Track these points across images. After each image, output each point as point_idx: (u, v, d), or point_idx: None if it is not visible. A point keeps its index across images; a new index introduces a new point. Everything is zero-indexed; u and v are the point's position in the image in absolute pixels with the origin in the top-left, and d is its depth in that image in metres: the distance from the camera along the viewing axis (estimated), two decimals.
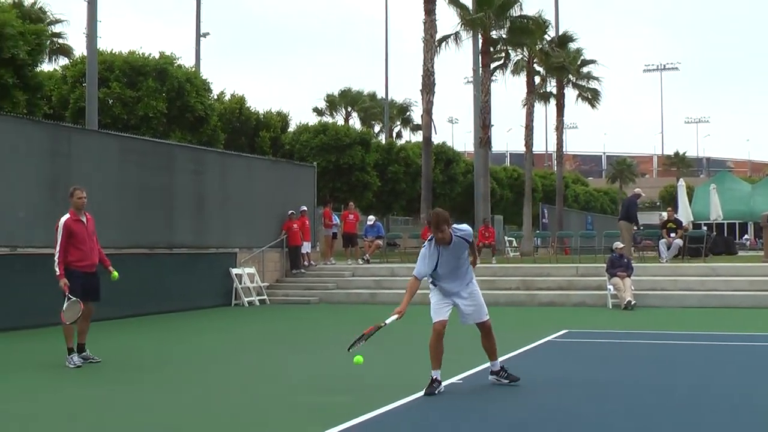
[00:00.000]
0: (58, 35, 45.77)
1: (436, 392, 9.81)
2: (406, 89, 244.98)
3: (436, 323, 10.02)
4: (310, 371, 12.21)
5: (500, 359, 10.51)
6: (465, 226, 10.29)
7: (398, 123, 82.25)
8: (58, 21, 45.18)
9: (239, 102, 41.00)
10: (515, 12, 40.30)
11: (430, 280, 10.14)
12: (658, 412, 8.88)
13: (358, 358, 9.47)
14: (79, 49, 45.17)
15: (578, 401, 9.57)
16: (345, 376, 11.37)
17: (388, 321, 9.81)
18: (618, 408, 9.18)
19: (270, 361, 13.64)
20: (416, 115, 77.73)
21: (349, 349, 9.56)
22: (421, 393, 9.70)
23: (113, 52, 31.68)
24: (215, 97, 40.16)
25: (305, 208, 28.80)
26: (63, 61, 43.49)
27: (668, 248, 28.56)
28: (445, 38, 39.64)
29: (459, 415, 8.83)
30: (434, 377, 9.90)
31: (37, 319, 18.33)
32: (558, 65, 51.42)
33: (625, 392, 10.09)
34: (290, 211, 27.91)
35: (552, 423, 8.52)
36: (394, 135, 78.04)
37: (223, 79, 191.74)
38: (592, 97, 56.75)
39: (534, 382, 10.70)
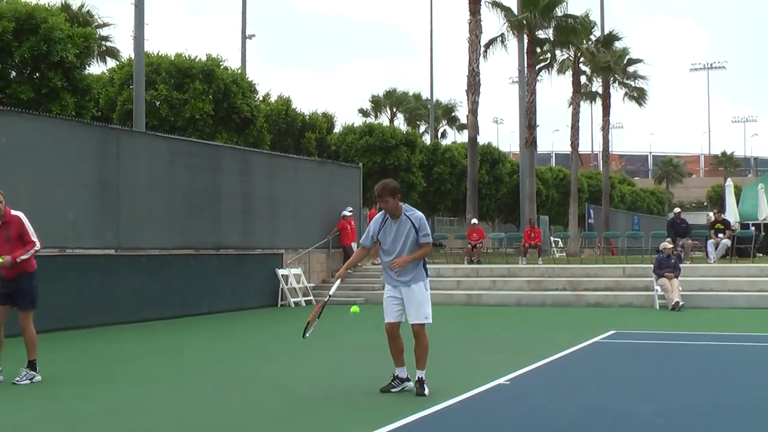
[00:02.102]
0: (106, 38, 46.18)
1: (393, 390, 10.01)
2: (451, 89, 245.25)
3: (385, 324, 10.13)
4: (354, 371, 12.24)
5: (551, 359, 10.41)
6: (417, 212, 10.21)
7: (443, 123, 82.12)
8: (105, 24, 45.59)
9: (285, 103, 41.10)
10: (561, 12, 40.14)
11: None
12: (705, 415, 8.83)
13: (355, 309, 9.82)
14: (126, 51, 45.69)
15: (627, 402, 9.51)
16: (390, 376, 11.38)
17: (331, 292, 10.37)
18: (665, 410, 9.11)
19: (314, 362, 13.69)
20: (461, 115, 77.62)
21: (304, 336, 10.16)
22: (469, 394, 9.68)
23: (160, 54, 31.88)
24: (261, 98, 40.35)
25: (351, 209, 28.88)
26: (110, 63, 43.89)
27: (716, 248, 28.36)
28: (491, 42, 39.54)
29: (507, 416, 8.83)
30: (396, 374, 10.14)
31: (87, 319, 18.62)
32: (604, 65, 51.10)
33: (675, 393, 10.02)
34: (345, 211, 28.06)
35: (601, 424, 8.49)
36: (440, 135, 77.97)
37: (269, 80, 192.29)
38: (638, 96, 56.33)
39: (583, 382, 10.66)
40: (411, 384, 10.01)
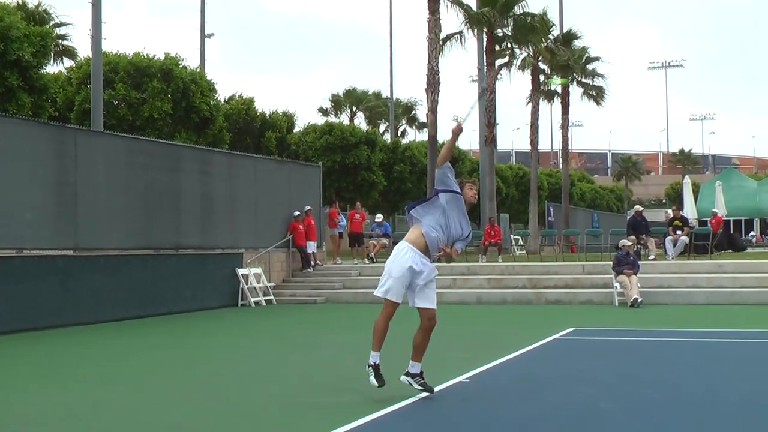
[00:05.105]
0: (63, 37, 45.90)
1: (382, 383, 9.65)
2: (411, 88, 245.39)
3: (394, 304, 9.92)
4: (314, 371, 12.21)
5: (511, 356, 10.41)
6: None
7: (404, 122, 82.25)
8: (62, 24, 45.31)
9: (246, 103, 41.03)
10: (519, 10, 40.27)
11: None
12: (665, 410, 8.87)
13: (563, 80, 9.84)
14: (84, 50, 45.43)
15: (586, 399, 9.54)
16: (351, 375, 11.37)
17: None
18: (625, 405, 9.16)
19: (274, 362, 13.65)
20: (421, 113, 77.85)
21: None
22: (429, 393, 9.65)
23: (118, 53, 31.73)
24: (225, 100, 40.21)
25: (309, 208, 28.79)
26: (68, 62, 43.63)
27: (674, 245, 28.60)
28: (449, 37, 39.61)
29: (467, 413, 8.83)
30: (376, 363, 9.73)
31: (45, 320, 18.48)
32: (563, 63, 51.33)
33: (633, 390, 10.07)
34: (295, 212, 27.94)
35: (562, 420, 8.51)
36: (400, 134, 78.06)
37: (228, 79, 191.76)
38: (597, 94, 56.65)
39: (543, 379, 10.69)
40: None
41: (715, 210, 37.33)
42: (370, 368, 9.58)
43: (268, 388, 10.77)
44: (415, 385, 9.54)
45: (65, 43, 46.50)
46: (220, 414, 9.20)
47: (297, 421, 8.77)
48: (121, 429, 8.59)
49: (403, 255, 9.48)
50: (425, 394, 9.52)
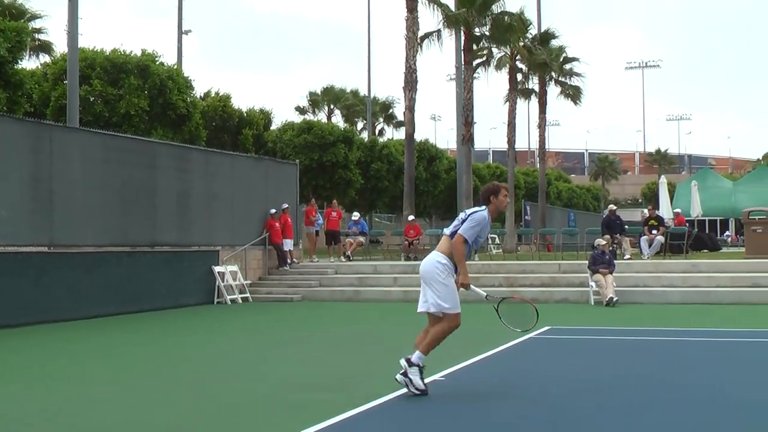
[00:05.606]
0: (39, 31, 45.62)
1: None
2: (389, 86, 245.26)
3: (458, 318, 9.87)
4: (292, 369, 12.20)
5: (486, 354, 10.40)
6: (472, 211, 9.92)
7: (381, 120, 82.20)
8: (38, 16, 45.02)
9: (223, 100, 40.90)
10: (497, 9, 40.36)
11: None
12: (640, 407, 8.91)
13: None
14: (61, 45, 45.12)
15: (561, 397, 9.57)
16: (328, 374, 11.37)
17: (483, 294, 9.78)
18: (601, 403, 9.20)
19: (251, 359, 13.62)
20: (399, 112, 77.75)
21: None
22: (405, 390, 9.64)
23: (95, 49, 31.57)
24: (202, 96, 40.10)
25: (287, 206, 28.74)
26: (44, 58, 43.38)
27: (650, 245, 28.73)
28: (427, 35, 39.71)
29: (443, 412, 8.84)
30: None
31: (20, 317, 18.38)
32: (540, 62, 51.53)
33: (607, 388, 10.10)
34: (272, 210, 27.89)
35: (538, 419, 8.53)
36: (377, 132, 78.03)
37: (205, 76, 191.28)
38: (574, 94, 56.86)
39: (519, 377, 10.71)
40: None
41: (677, 210, 37.47)
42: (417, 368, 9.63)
43: (243, 386, 10.74)
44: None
45: (42, 37, 46.22)
46: (194, 412, 9.18)
47: (273, 419, 8.75)
48: (99, 428, 8.55)
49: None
50: (401, 391, 9.53)
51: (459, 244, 9.55)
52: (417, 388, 9.46)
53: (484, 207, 9.80)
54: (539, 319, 9.80)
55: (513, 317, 9.65)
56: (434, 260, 9.74)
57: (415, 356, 9.61)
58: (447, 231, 9.86)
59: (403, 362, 9.61)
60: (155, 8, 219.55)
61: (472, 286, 9.61)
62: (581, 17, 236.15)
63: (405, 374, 9.54)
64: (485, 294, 9.57)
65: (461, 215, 9.80)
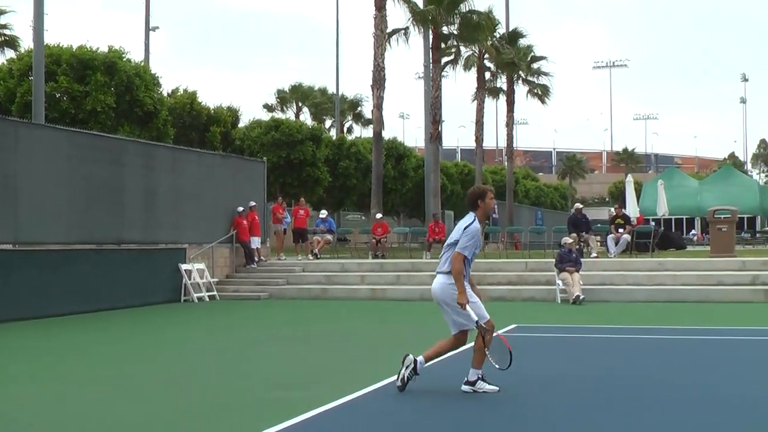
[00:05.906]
0: (4, 26, 45.29)
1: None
2: (357, 84, 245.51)
3: (491, 321, 9.84)
4: (259, 367, 12.18)
5: (454, 352, 10.40)
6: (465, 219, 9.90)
7: (349, 118, 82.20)
8: (3, 12, 44.69)
9: (190, 97, 40.72)
10: (465, 7, 40.42)
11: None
12: (610, 405, 8.97)
13: None
14: (27, 40, 44.73)
15: (527, 395, 9.62)
16: (296, 371, 11.36)
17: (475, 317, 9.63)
18: (567, 401, 9.26)
19: (219, 358, 13.59)
20: (367, 110, 77.77)
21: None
22: (374, 386, 9.65)
23: (61, 45, 31.35)
24: (169, 93, 39.91)
25: (254, 204, 28.66)
26: (9, 53, 43.04)
27: (616, 243, 28.87)
28: (394, 32, 39.70)
29: (410, 409, 8.86)
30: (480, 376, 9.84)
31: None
32: (508, 61, 51.71)
33: (575, 385, 10.16)
34: (239, 208, 27.82)
35: (504, 416, 8.57)
36: (345, 130, 78.00)
37: (173, 73, 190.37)
38: (542, 93, 57.12)
39: (486, 376, 10.73)
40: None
41: (637, 209, 37.71)
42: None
43: (212, 385, 10.73)
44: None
45: (7, 32, 45.87)
46: (164, 411, 9.15)
47: (244, 417, 8.74)
48: (66, 426, 8.50)
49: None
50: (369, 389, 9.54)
51: (458, 263, 9.54)
52: (492, 391, 9.66)
53: (473, 216, 9.75)
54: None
55: (496, 354, 9.68)
56: (443, 283, 9.73)
57: (471, 374, 9.79)
58: (449, 241, 9.80)
59: (466, 388, 9.74)
60: (123, 2, 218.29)
61: (468, 307, 9.57)
62: (548, 15, 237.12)
63: (474, 390, 9.69)
64: (477, 320, 9.55)
65: (460, 224, 9.78)
